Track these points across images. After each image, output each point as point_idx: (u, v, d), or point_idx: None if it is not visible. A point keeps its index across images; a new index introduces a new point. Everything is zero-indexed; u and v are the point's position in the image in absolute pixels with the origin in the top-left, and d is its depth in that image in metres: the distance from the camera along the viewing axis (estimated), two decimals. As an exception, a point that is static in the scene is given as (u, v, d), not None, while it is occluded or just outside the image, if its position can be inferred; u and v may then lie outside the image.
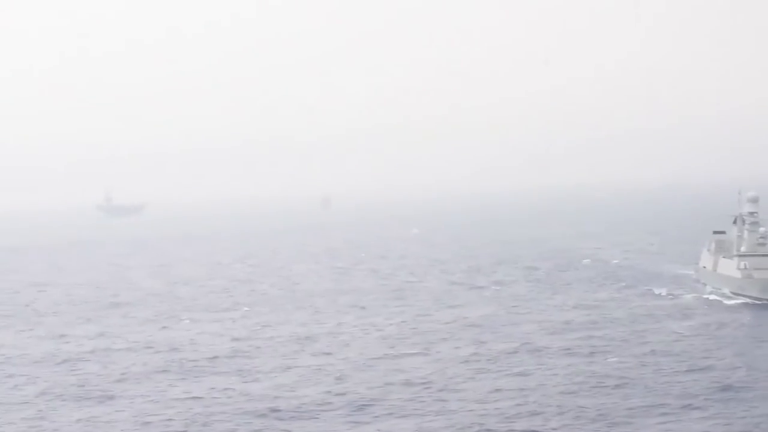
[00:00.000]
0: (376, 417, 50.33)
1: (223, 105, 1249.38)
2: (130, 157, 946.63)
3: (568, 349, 66.93)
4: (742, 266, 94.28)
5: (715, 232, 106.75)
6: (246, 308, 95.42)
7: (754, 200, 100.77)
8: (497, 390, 55.26)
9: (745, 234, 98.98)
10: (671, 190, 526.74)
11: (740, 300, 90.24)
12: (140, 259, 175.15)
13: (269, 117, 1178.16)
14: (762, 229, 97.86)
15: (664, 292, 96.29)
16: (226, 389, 58.09)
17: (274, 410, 52.38)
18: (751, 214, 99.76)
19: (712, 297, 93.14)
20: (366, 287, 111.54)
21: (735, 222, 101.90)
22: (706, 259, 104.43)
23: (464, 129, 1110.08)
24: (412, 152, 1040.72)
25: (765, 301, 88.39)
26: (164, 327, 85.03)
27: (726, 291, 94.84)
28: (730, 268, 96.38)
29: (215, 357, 68.74)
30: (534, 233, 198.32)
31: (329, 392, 56.08)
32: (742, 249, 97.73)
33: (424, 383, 57.65)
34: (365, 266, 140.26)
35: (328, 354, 68.82)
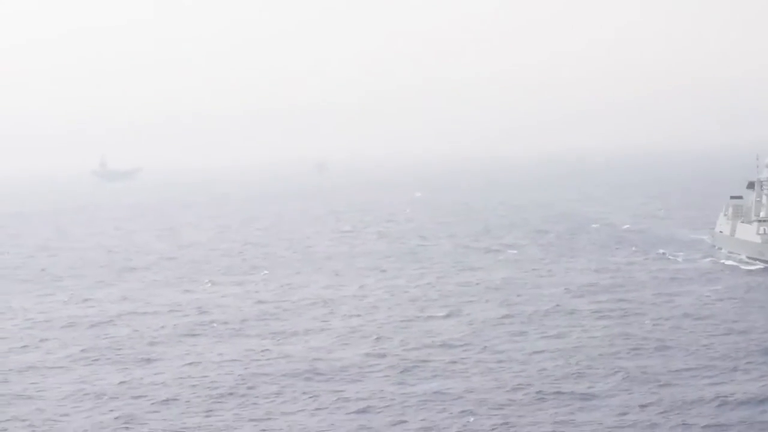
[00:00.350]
0: (421, 378, 50.24)
1: (210, 75, 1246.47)
2: (125, 126, 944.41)
3: (599, 311, 66.93)
4: (761, 231, 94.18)
5: (732, 197, 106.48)
6: (265, 271, 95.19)
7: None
8: (538, 352, 55.21)
9: (764, 199, 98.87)
10: (673, 156, 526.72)
11: (759, 265, 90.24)
12: (144, 223, 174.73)
13: (261, 86, 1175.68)
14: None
15: (680, 256, 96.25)
16: (263, 351, 57.95)
17: (317, 372, 52.28)
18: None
19: (728, 262, 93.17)
20: (380, 250, 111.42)
21: (752, 187, 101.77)
22: (722, 224, 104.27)
23: (464, 95, 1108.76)
24: (412, 118, 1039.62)
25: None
26: (187, 290, 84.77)
27: (743, 256, 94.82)
28: (748, 233, 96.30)
29: (245, 320, 68.60)
30: (539, 197, 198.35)
31: (369, 354, 55.99)
32: (762, 214, 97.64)
33: (462, 345, 57.60)
34: (373, 229, 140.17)
35: (358, 316, 68.74)
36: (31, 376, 55.03)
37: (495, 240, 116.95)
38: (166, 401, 47.95)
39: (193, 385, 50.74)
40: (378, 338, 60.28)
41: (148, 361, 57.11)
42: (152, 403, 47.82)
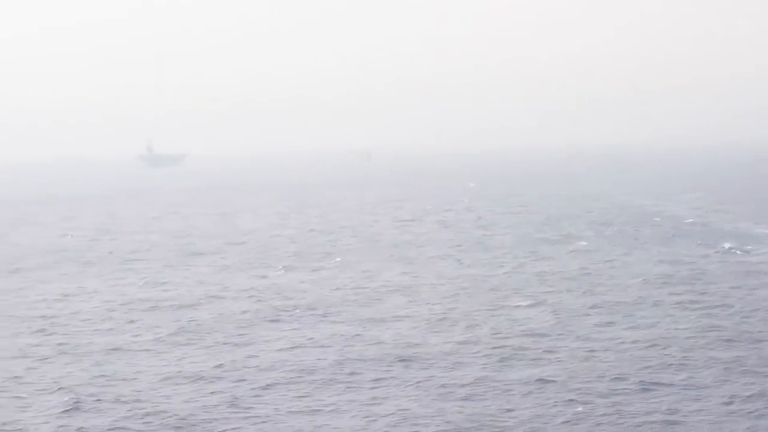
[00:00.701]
0: (520, 367, 50.40)
1: (255, 61, 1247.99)
2: (170, 111, 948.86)
3: (682, 303, 66.72)
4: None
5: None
6: (338, 258, 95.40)
7: None
8: (631, 342, 55.17)
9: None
10: (695, 151, 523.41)
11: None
12: (200, 208, 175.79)
13: (301, 72, 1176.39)
14: None
15: (750, 250, 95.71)
16: (354, 336, 58.25)
17: (413, 359, 52.46)
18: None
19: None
20: (447, 239, 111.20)
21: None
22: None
23: (506, 84, 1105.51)
24: (448, 107, 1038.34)
25: None
26: (262, 276, 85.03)
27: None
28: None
29: (330, 305, 68.78)
30: (589, 189, 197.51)
31: (462, 342, 56.10)
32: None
33: (553, 334, 57.65)
34: (433, 218, 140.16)
35: (441, 303, 68.78)
36: (123, 357, 55.43)
37: (558, 231, 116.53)
38: (268, 386, 48.26)
39: (291, 370, 51.03)
40: (468, 326, 60.36)
41: (240, 345, 57.41)
42: (253, 387, 48.13)
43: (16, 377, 51.08)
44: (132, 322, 65.55)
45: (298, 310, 67.56)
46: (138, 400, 46.32)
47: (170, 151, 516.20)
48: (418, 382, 47.84)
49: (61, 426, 42.91)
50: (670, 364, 50.04)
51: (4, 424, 43.14)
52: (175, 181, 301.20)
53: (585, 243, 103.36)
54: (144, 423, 42.94)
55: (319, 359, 52.89)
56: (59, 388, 48.52)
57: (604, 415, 42.01)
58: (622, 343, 55.10)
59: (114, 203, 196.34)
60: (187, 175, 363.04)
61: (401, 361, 51.99)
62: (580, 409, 42.84)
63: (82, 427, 42.63)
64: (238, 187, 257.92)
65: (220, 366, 52.36)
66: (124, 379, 50.74)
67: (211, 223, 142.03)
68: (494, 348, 54.37)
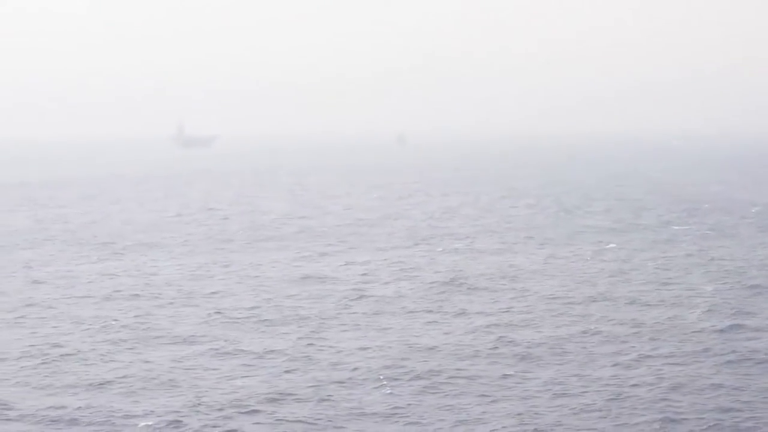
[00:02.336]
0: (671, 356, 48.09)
1: (287, 41, 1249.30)
2: (198, 92, 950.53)
3: None
4: None
5: None
6: (423, 242, 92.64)
7: None
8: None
9: None
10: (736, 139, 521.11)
11: None
12: (263, 189, 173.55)
13: (329, 53, 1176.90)
14: None
15: None
16: (466, 323, 56.11)
17: (536, 345, 50.23)
18: None
19: None
20: (545, 224, 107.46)
21: None
22: None
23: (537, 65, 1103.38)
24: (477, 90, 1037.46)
25: None
26: (365, 261, 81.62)
27: None
28: None
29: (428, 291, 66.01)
30: (662, 178, 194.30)
31: (585, 332, 53.26)
32: None
33: (690, 322, 55.13)
34: (517, 203, 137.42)
35: (547, 289, 66.16)
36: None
37: (657, 218, 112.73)
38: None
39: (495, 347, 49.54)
40: (583, 315, 57.57)
41: (359, 328, 55.45)
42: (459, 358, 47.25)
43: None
44: (269, 300, 63.59)
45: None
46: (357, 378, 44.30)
47: (201, 133, 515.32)
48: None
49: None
50: None
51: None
52: (214, 163, 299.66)
53: (692, 228, 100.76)
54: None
55: (481, 336, 50.73)
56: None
57: None
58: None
59: (173, 185, 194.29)
60: (222, 157, 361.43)
61: (516, 355, 49.04)
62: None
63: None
64: (282, 168, 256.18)
65: (361, 348, 50.49)
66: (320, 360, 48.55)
67: (286, 205, 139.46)
68: (614, 335, 52.19)
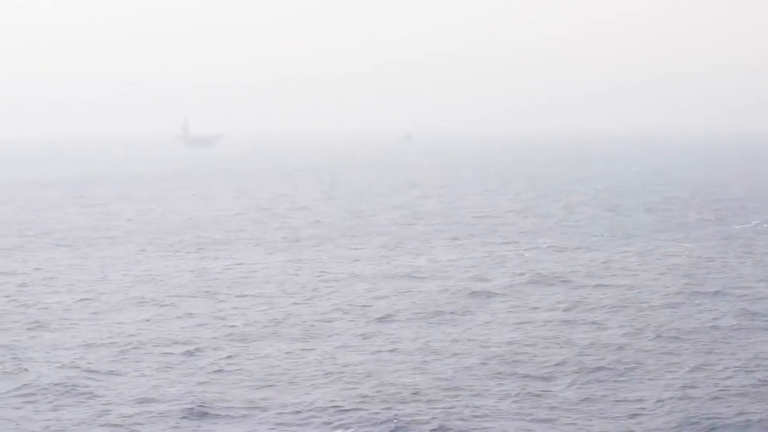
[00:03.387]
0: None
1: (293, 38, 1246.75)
2: (201, 90, 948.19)
3: None
4: None
5: None
6: (475, 237, 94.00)
7: None
8: None
9: None
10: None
11: None
12: (298, 187, 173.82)
13: (329, 50, 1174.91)
14: None
15: None
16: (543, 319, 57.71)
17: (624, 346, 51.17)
18: None
19: None
20: (606, 223, 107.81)
21: None
22: None
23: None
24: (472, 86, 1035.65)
25: None
26: (416, 254, 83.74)
27: None
28: None
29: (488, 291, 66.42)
30: (698, 176, 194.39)
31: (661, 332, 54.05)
32: None
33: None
34: (574, 200, 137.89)
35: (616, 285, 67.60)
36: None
37: (715, 215, 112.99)
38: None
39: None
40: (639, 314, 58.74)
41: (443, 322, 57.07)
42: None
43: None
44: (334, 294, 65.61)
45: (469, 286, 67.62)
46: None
47: (206, 132, 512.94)
48: None
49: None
50: None
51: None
52: (229, 163, 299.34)
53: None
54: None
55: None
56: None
57: None
58: None
59: (219, 181, 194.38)
60: (233, 156, 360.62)
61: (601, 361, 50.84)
62: None
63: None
64: (308, 167, 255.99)
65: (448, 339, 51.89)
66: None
67: (336, 205, 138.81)
68: (673, 333, 53.63)
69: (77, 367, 47.55)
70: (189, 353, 50.52)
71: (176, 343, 52.96)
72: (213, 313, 60.23)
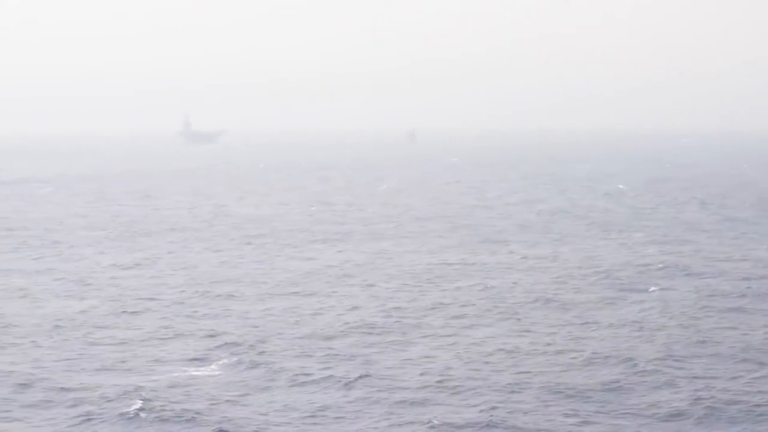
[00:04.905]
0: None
1: (293, 37, 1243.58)
2: (203, 88, 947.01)
3: None
4: None
5: None
6: (517, 236, 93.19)
7: None
8: None
9: None
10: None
11: None
12: (323, 184, 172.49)
13: (333, 50, 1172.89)
14: None
15: None
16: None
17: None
18: None
19: None
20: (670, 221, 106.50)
21: None
22: None
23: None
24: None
25: None
26: (472, 252, 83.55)
27: None
28: None
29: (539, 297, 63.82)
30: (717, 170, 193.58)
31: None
32: None
33: None
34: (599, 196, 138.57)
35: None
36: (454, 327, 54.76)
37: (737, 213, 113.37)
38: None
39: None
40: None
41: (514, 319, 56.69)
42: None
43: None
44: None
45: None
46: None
47: (207, 128, 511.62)
48: None
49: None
50: None
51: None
52: (242, 158, 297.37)
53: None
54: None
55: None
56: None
57: None
58: None
59: (245, 178, 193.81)
60: (241, 151, 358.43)
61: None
62: None
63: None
64: (324, 164, 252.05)
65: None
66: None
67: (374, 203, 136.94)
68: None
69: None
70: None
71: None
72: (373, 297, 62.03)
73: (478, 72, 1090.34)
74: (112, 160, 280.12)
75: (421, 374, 44.17)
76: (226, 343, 50.09)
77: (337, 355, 47.98)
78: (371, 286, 66.85)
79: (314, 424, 38.21)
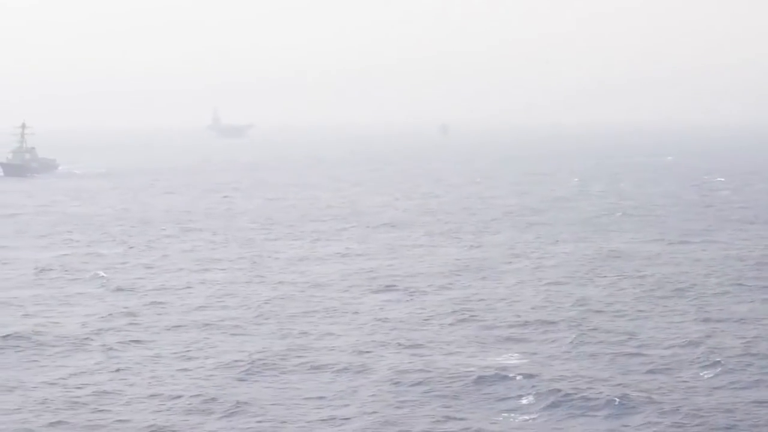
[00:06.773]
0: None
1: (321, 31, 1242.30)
2: (231, 83, 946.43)
3: None
4: None
5: None
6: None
7: None
8: None
9: None
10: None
11: None
12: (357, 178, 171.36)
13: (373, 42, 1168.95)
14: None
15: None
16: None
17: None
18: None
19: None
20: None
21: None
22: None
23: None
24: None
25: None
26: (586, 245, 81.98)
27: None
28: None
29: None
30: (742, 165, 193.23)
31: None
32: None
33: None
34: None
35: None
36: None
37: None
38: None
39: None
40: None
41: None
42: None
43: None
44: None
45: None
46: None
47: (236, 122, 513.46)
48: None
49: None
50: None
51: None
52: (281, 151, 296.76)
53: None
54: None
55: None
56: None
57: None
58: None
59: (297, 171, 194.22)
60: (271, 145, 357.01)
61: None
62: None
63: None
64: (343, 158, 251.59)
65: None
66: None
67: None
68: None
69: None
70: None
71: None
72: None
73: (503, 66, 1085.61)
74: (174, 154, 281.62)
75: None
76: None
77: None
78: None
79: None
